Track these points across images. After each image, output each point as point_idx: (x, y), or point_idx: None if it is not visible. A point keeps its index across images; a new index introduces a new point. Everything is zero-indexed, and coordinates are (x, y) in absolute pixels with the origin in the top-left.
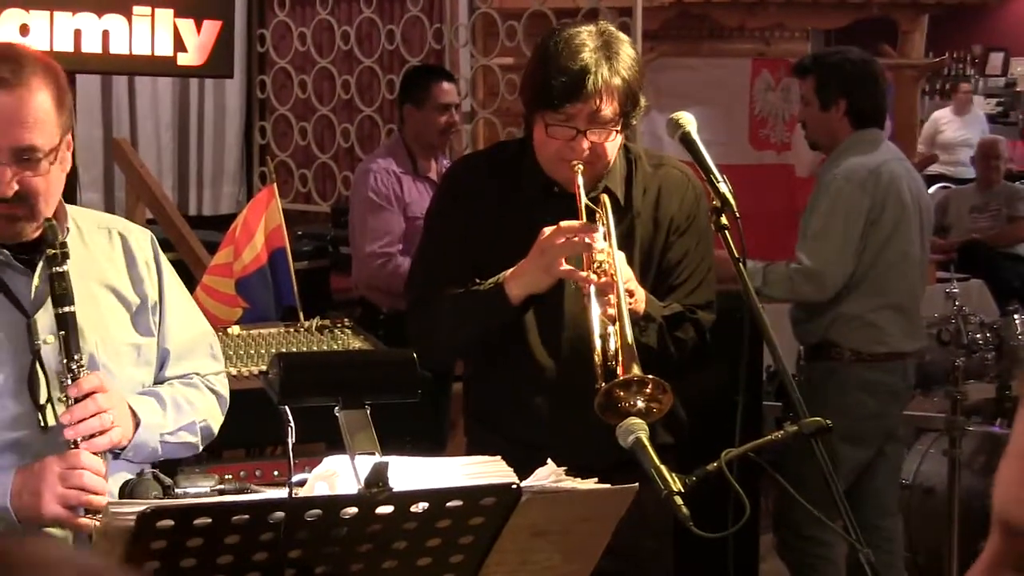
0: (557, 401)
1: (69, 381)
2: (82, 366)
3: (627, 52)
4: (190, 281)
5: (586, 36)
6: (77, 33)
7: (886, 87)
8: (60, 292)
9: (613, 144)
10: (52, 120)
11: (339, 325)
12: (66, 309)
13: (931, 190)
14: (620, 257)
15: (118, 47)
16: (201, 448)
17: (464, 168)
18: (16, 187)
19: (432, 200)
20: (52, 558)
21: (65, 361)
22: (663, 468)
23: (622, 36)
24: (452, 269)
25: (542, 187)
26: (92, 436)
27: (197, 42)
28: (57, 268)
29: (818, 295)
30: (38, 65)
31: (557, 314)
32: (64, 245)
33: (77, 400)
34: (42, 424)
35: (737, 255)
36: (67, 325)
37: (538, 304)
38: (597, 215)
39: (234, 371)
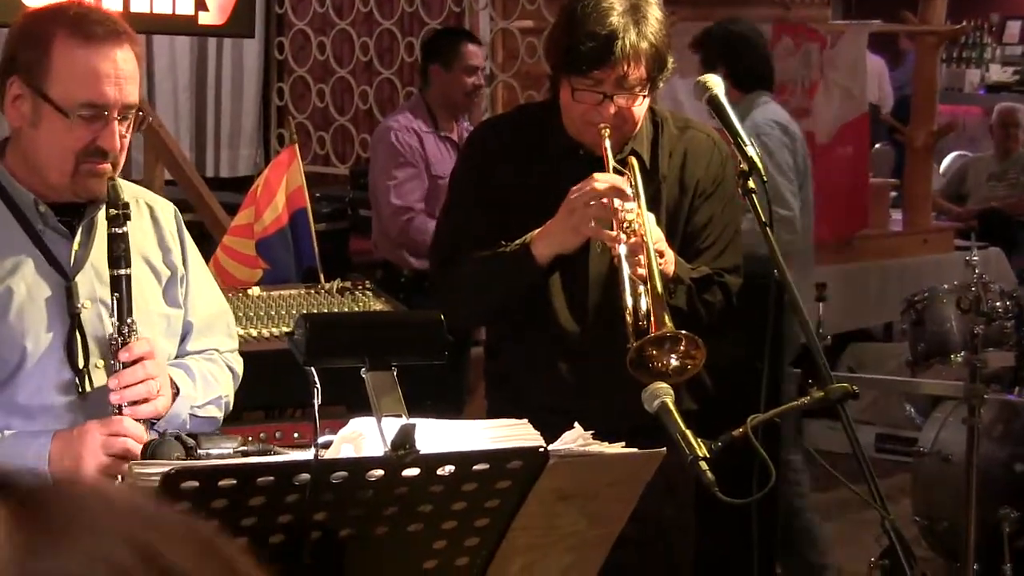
0: (581, 366)
1: (120, 345)
2: (134, 330)
3: (654, 15)
4: (209, 242)
5: None
6: None
7: (769, 54)
8: (119, 254)
9: (640, 108)
10: (139, 77)
11: (360, 287)
12: (123, 271)
13: (948, 158)
14: (650, 218)
15: (139, 5)
16: (220, 423)
17: (487, 131)
18: None
19: (456, 164)
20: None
21: (117, 324)
22: (689, 433)
23: None
24: (478, 232)
25: (567, 149)
26: (137, 403)
27: (218, 1)
28: (118, 229)
29: (791, 238)
30: (122, 22)
31: (582, 278)
32: (127, 206)
33: (126, 365)
34: (80, 390)
35: (764, 219)
36: (122, 288)
37: (563, 268)
38: (625, 176)
39: (254, 332)
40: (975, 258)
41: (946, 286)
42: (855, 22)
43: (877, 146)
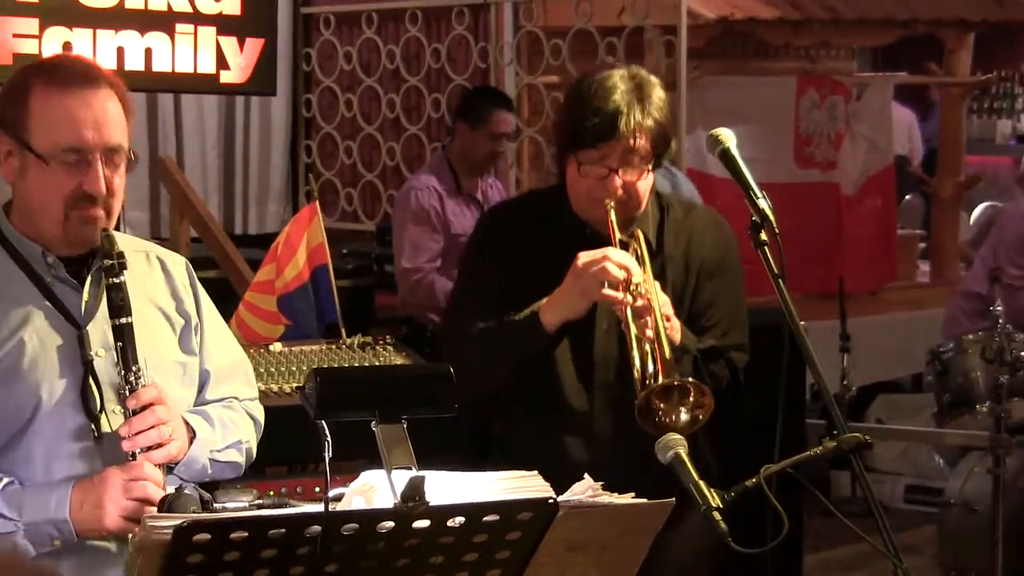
0: (588, 444)
1: (127, 393)
2: (139, 378)
3: (658, 94)
4: (235, 299)
5: (618, 79)
6: (120, 51)
7: None
8: (118, 303)
9: (645, 183)
10: (125, 122)
11: (381, 342)
12: (123, 320)
13: (978, 209)
14: (656, 284)
15: (161, 65)
16: (244, 469)
17: (498, 217)
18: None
19: (467, 247)
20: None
21: (123, 372)
22: (702, 483)
23: (653, 79)
24: (488, 311)
25: (574, 230)
26: (151, 448)
27: (240, 60)
28: (115, 279)
29: None
30: (102, 70)
31: (587, 355)
32: (121, 255)
33: (135, 412)
34: (96, 434)
35: (776, 271)
36: (124, 336)
37: (569, 344)
38: (632, 247)
39: (275, 387)
40: (999, 308)
41: (971, 336)
42: (880, 74)
43: (907, 197)
